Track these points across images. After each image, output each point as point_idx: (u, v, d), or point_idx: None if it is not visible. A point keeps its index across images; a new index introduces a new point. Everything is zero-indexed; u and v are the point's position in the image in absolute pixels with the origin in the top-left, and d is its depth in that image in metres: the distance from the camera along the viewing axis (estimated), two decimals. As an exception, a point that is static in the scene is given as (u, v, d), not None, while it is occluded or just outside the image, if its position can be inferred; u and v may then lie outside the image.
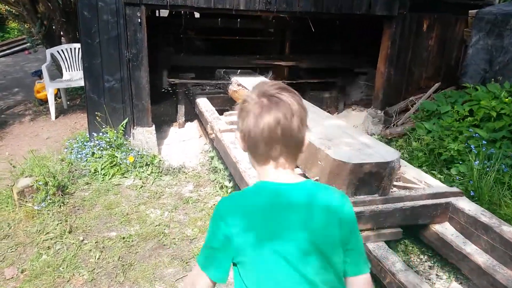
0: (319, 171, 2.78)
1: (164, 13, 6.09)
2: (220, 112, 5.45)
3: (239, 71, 6.00)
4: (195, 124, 5.94)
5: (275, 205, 1.08)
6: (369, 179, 2.62)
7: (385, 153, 2.74)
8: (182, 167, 4.52)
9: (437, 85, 5.59)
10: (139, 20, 4.12)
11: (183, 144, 5.26)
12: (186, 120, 5.88)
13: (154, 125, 4.74)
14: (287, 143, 1.07)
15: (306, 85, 6.34)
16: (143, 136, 4.57)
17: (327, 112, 6.63)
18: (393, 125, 5.51)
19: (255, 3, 4.44)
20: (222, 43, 6.21)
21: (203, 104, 5.30)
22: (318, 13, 4.77)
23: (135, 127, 4.56)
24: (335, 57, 6.45)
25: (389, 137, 5.01)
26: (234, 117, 4.66)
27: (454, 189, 2.81)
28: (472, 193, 3.10)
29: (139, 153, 4.38)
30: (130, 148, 4.43)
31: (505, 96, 3.83)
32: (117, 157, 4.21)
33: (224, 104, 5.84)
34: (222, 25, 5.41)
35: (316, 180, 2.77)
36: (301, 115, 1.07)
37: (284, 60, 5.99)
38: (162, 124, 5.76)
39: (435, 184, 2.94)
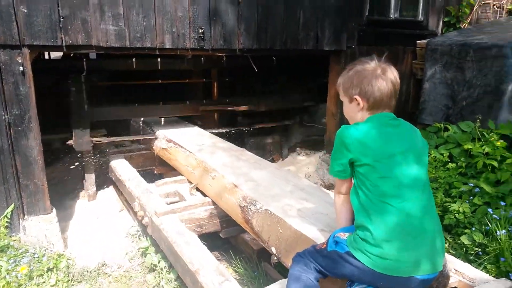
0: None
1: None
2: (146, 176, 4.38)
3: (162, 119, 5.01)
4: (111, 192, 4.74)
5: None
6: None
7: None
8: (103, 266, 3.35)
9: (391, 123, 5.22)
10: (22, 68, 2.98)
11: (99, 225, 4.03)
12: (98, 188, 4.66)
13: (54, 209, 3.50)
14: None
15: (246, 132, 5.57)
16: (40, 228, 3.32)
17: (270, 159, 5.97)
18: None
19: (185, 40, 3.58)
20: (141, 89, 5.17)
21: (122, 168, 4.20)
22: (261, 50, 4.07)
23: (26, 217, 3.30)
24: (278, 97, 5.81)
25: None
26: (172, 187, 3.65)
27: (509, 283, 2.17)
28: (511, 276, 2.51)
29: (36, 255, 3.12)
30: (20, 251, 3.13)
31: (495, 139, 3.45)
32: (1, 266, 2.91)
33: (148, 163, 4.78)
34: (141, 67, 4.41)
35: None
36: None
37: (215, 105, 5.15)
38: (63, 197, 4.45)
39: (477, 276, 2.26)
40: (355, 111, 1.77)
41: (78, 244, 3.62)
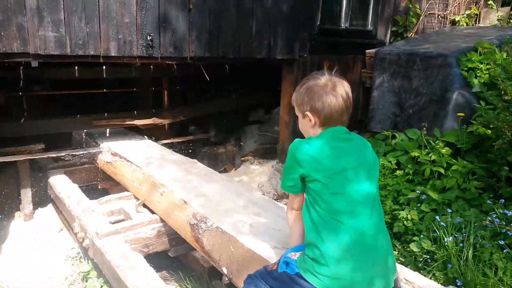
0: None
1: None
2: (89, 192, 4.12)
3: (108, 131, 4.76)
4: (50, 211, 4.41)
5: None
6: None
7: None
8: (39, 294, 3.07)
9: (343, 131, 5.29)
10: None
11: (36, 247, 3.72)
12: (36, 206, 4.32)
13: (-17, 234, 3.18)
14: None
15: (197, 141, 5.43)
16: (-35, 256, 2.98)
17: (223, 169, 5.86)
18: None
19: (131, 47, 3.42)
20: (83, 98, 4.88)
21: (61, 184, 3.94)
22: (213, 58, 3.97)
23: None
24: (228, 105, 5.72)
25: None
26: (116, 204, 3.45)
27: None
28: (458, 283, 2.56)
29: (-42, 288, 2.79)
30: None
31: (440, 147, 3.56)
32: None
33: (91, 178, 4.51)
34: (82, 75, 4.16)
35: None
36: None
37: (163, 116, 4.94)
38: (-4, 218, 4.09)
39: (427, 285, 2.28)
40: (308, 126, 1.74)
41: (12, 270, 3.31)
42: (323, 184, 1.59)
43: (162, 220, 3.11)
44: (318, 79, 1.70)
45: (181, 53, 3.72)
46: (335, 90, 1.66)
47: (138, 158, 3.74)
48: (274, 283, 1.69)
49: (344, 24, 5.17)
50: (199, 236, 2.49)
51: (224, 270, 2.27)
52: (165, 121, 4.82)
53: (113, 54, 3.34)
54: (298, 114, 1.79)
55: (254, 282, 1.77)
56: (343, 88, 1.69)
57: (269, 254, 2.04)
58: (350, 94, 1.72)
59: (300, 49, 4.65)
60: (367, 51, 5.24)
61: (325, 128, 1.69)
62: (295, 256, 1.69)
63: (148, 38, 3.47)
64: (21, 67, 3.87)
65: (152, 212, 3.26)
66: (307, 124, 1.73)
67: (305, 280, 1.56)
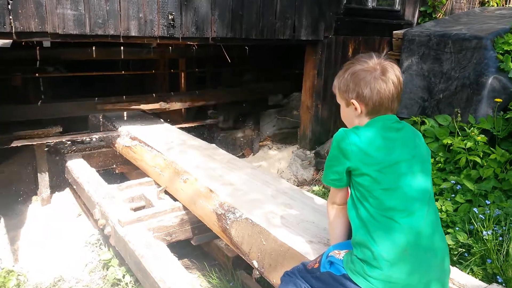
0: None
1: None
2: (106, 176, 4.07)
3: (125, 114, 4.67)
4: (67, 195, 4.37)
5: None
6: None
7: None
8: (60, 281, 3.05)
9: (367, 116, 5.13)
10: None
11: (54, 233, 3.69)
12: (53, 190, 4.28)
13: (1, 219, 3.14)
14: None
15: (215, 125, 5.33)
16: (-15, 242, 2.94)
17: (241, 154, 5.76)
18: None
19: (152, 27, 3.28)
20: (98, 81, 4.77)
21: (79, 169, 3.88)
22: (236, 39, 3.82)
23: (-33, 230, 2.92)
24: (247, 89, 5.57)
25: (334, 188, 4.26)
26: (137, 191, 3.37)
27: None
28: (499, 279, 2.44)
29: (-21, 274, 2.76)
30: (-40, 269, 2.77)
31: (476, 134, 3.39)
32: None
33: (109, 162, 4.45)
34: (99, 56, 4.04)
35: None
36: None
37: (181, 100, 4.81)
38: (13, 202, 4.05)
39: (468, 283, 2.16)
40: (352, 116, 1.60)
41: (31, 257, 3.28)
42: (374, 179, 1.46)
43: (185, 208, 3.03)
44: (365, 63, 1.55)
45: (203, 33, 3.58)
46: (385, 75, 1.52)
47: (159, 143, 3.65)
48: (316, 283, 1.59)
49: (371, 3, 4.95)
50: (227, 227, 2.40)
51: (255, 264, 2.18)
52: (184, 105, 4.71)
53: (133, 34, 3.21)
54: (341, 102, 1.65)
55: (293, 281, 1.67)
56: (394, 73, 1.55)
57: (305, 249, 1.94)
58: (401, 79, 1.58)
59: (325, 29, 4.47)
60: (394, 32, 5.02)
61: (372, 117, 1.56)
62: (339, 255, 1.58)
63: (170, 17, 3.33)
64: (37, 47, 3.76)
65: (174, 199, 3.18)
66: (352, 113, 1.59)
67: (354, 282, 1.45)
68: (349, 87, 1.56)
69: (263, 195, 2.58)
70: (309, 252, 1.90)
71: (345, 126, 1.66)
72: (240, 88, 5.61)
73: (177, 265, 2.43)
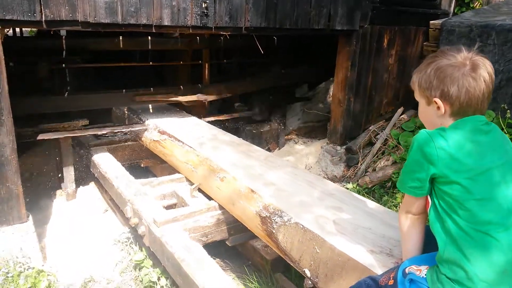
0: None
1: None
2: (131, 170, 3.95)
3: (151, 107, 4.54)
4: (92, 190, 4.28)
5: None
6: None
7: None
8: (90, 281, 2.95)
9: (400, 110, 4.95)
10: (-9, 48, 2.47)
11: (81, 229, 3.59)
12: (77, 184, 4.18)
13: (30, 217, 3.04)
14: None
15: (241, 118, 5.18)
16: (14, 240, 2.85)
17: (267, 148, 5.61)
18: (360, 164, 4.67)
19: (186, 16, 3.12)
20: (124, 71, 4.64)
21: (106, 163, 3.76)
22: (269, 29, 3.64)
23: (-4, 228, 2.82)
24: (272, 81, 5.40)
25: (370, 186, 4.11)
26: (168, 187, 3.25)
27: None
28: None
29: (10, 274, 2.68)
30: (-10, 268, 2.68)
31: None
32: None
33: (135, 156, 4.33)
34: (127, 47, 3.90)
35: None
36: None
37: (208, 92, 4.65)
38: (38, 196, 3.97)
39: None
40: (434, 115, 1.43)
41: (58, 255, 3.18)
42: (465, 188, 1.30)
43: (220, 207, 2.90)
44: (453, 57, 1.38)
45: (236, 22, 3.41)
46: (476, 72, 1.35)
47: (189, 137, 3.51)
48: None
49: (408, -9, 4.73)
50: (273, 231, 2.26)
51: (307, 273, 2.04)
52: (210, 97, 4.56)
53: (166, 23, 3.05)
54: (420, 100, 1.49)
55: None
56: (486, 69, 1.38)
57: (368, 260, 1.79)
58: (494, 76, 1.41)
59: (361, 19, 4.26)
60: (431, 22, 4.81)
61: (456, 118, 1.39)
62: (420, 272, 1.42)
63: (203, 6, 3.17)
64: (63, 36, 3.63)
65: (208, 197, 3.05)
66: (433, 112, 1.43)
67: None
68: (432, 84, 1.39)
69: (310, 197, 2.43)
70: (374, 264, 1.75)
71: (423, 127, 1.51)
72: (267, 78, 5.42)
73: (220, 272, 2.30)
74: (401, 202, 2.35)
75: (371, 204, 2.37)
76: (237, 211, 2.63)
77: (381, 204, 3.84)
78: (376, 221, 2.15)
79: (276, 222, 2.24)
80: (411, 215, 1.52)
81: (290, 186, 2.58)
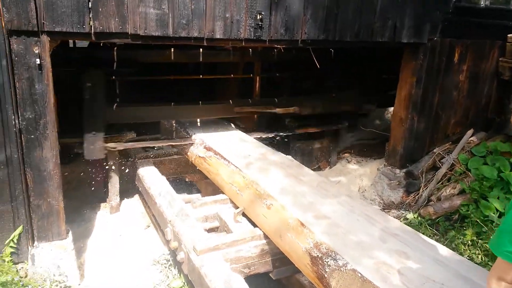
0: None
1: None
2: (175, 185, 3.83)
3: (198, 120, 4.42)
4: (136, 203, 4.21)
5: None
6: None
7: None
8: (126, 304, 2.81)
9: (470, 132, 4.49)
10: (39, 60, 2.42)
11: (121, 245, 3.50)
12: (122, 197, 4.12)
13: (70, 233, 2.97)
14: None
15: (292, 135, 4.93)
16: (52, 257, 2.79)
17: (317, 167, 5.32)
18: (422, 191, 4.25)
19: (239, 28, 2.95)
20: (168, 84, 4.57)
21: (151, 178, 3.66)
22: (328, 42, 3.39)
23: (36, 244, 2.78)
24: (334, 98, 5.11)
25: (433, 217, 3.71)
26: (212, 209, 3.08)
27: None
28: None
29: (46, 293, 2.59)
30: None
31: None
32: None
33: (180, 171, 4.22)
34: (178, 59, 3.81)
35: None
36: None
37: (253, 106, 4.47)
38: (82, 206, 3.94)
39: None
40: None
41: (96, 273, 3.09)
42: None
43: (265, 236, 2.66)
44: None
45: (293, 35, 3.19)
46: None
47: (235, 156, 3.32)
48: None
49: (484, 1, 4.29)
50: (325, 275, 1.99)
51: (364, 330, 1.75)
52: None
53: (218, 36, 2.89)
54: None
55: None
56: None
57: (443, 328, 1.48)
58: None
59: (431, 31, 3.89)
60: (509, 35, 4.33)
61: None
62: None
63: (258, 17, 2.98)
64: (114, 48, 3.58)
65: (252, 223, 2.83)
66: None
67: None
68: None
69: (369, 236, 2.14)
70: (450, 336, 1.44)
71: None
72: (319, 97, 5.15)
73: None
74: (491, 265, 2.02)
75: (443, 250, 2.04)
76: (284, 245, 2.38)
77: (446, 239, 3.45)
78: (449, 274, 1.83)
79: (329, 266, 1.97)
80: (506, 283, 1.21)
81: (346, 220, 2.30)
